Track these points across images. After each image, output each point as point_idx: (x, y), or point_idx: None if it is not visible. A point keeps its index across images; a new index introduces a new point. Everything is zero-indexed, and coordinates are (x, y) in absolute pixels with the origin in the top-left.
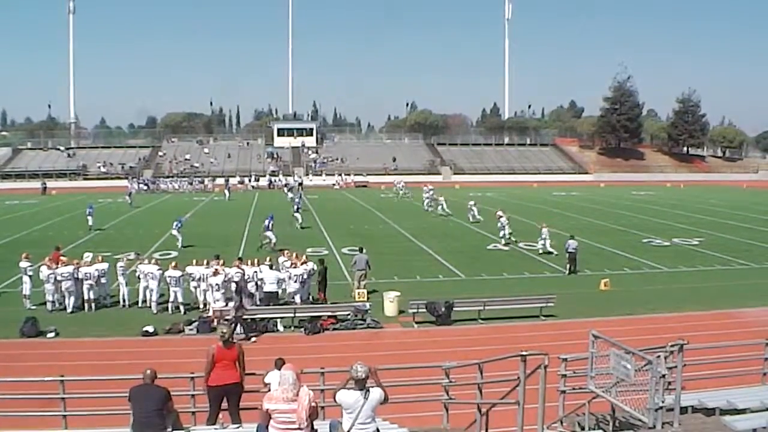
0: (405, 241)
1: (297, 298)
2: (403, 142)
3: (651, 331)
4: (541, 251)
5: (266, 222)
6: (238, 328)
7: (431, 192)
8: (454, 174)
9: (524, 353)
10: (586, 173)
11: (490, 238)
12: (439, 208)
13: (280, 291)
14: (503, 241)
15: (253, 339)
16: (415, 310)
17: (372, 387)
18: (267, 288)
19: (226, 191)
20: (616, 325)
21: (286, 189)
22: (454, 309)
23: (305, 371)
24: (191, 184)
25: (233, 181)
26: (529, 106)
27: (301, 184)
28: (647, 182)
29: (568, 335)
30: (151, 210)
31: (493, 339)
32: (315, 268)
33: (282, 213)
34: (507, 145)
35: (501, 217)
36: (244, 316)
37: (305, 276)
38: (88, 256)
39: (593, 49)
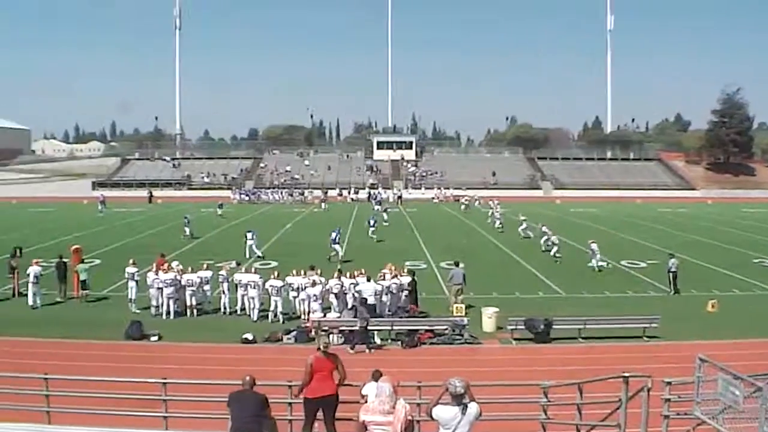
0: (504, 256)
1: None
2: (503, 156)
3: (762, 356)
4: (597, 269)
5: (333, 235)
6: (333, 338)
7: (497, 207)
8: (555, 189)
9: (626, 375)
10: (693, 189)
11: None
12: (497, 222)
13: (378, 303)
14: (555, 259)
15: (352, 351)
16: (513, 327)
17: (469, 402)
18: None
19: (323, 204)
20: (724, 349)
21: (374, 201)
22: (553, 327)
23: (402, 384)
24: (291, 195)
25: (332, 193)
26: (633, 120)
27: (400, 197)
28: (758, 199)
29: (672, 358)
30: (252, 220)
31: (594, 359)
32: (409, 281)
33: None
34: (610, 159)
35: (546, 233)
36: (369, 328)
37: (394, 289)
38: (177, 265)
39: (700, 60)
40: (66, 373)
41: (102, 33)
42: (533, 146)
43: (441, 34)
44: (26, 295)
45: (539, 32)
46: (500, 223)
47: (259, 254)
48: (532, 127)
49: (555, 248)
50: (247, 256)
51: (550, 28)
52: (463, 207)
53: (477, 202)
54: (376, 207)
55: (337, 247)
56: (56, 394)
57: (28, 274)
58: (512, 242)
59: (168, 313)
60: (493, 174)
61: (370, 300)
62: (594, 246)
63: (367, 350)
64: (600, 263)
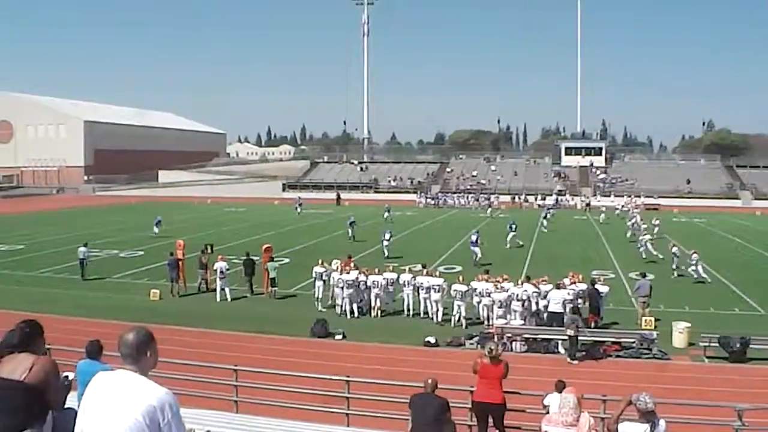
0: None
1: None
2: (699, 164)
3: None
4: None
5: (473, 237)
6: (516, 346)
7: (637, 216)
8: (755, 199)
9: None
10: None
11: None
12: (628, 232)
13: (564, 312)
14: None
15: (575, 361)
16: (706, 344)
17: (658, 420)
18: (551, 308)
19: (488, 209)
20: None
21: (546, 208)
22: (750, 346)
23: (585, 396)
24: (477, 200)
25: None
26: None
27: (588, 204)
28: None
29: None
30: (437, 224)
31: None
32: (588, 289)
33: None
34: None
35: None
36: (580, 336)
37: (570, 296)
38: (335, 264)
39: None
40: (253, 366)
41: (293, 41)
42: (732, 153)
43: (632, 35)
44: (215, 289)
45: (737, 30)
46: (632, 233)
47: (385, 253)
48: (730, 133)
49: (676, 260)
50: (386, 255)
51: (749, 26)
52: (602, 216)
53: (630, 210)
54: (547, 215)
55: (476, 249)
56: (244, 385)
57: (216, 270)
58: (706, 254)
59: (351, 312)
60: (688, 182)
61: (557, 308)
62: (695, 257)
63: (570, 360)
64: (697, 271)
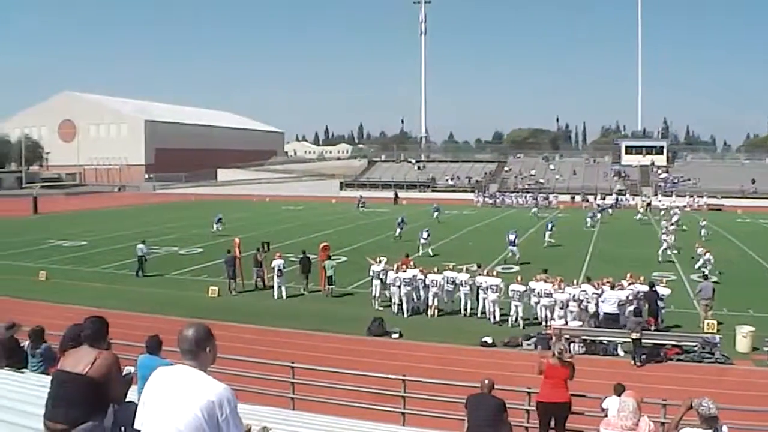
0: (763, 271)
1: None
2: (764, 163)
3: None
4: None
5: (512, 237)
6: (574, 347)
7: (674, 217)
8: None
9: None
10: None
11: None
12: (661, 235)
13: (620, 313)
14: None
15: (638, 363)
16: None
17: (721, 426)
18: (607, 309)
19: (534, 208)
20: None
21: (595, 207)
22: None
23: (645, 400)
24: (536, 199)
25: (577, 198)
26: None
27: (649, 204)
28: None
29: None
30: (494, 223)
31: None
32: (642, 290)
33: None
34: None
35: (706, 252)
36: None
37: (625, 297)
38: (382, 261)
39: None
40: (310, 363)
41: (351, 40)
42: None
43: (694, 32)
44: (272, 287)
45: None
46: (665, 238)
47: (430, 253)
48: None
49: (700, 262)
50: (420, 253)
51: None
52: (638, 216)
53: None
54: (597, 215)
55: (513, 248)
56: (301, 382)
57: (273, 268)
58: None
59: (408, 310)
60: (753, 182)
61: (612, 309)
62: (708, 255)
63: (634, 363)
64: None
